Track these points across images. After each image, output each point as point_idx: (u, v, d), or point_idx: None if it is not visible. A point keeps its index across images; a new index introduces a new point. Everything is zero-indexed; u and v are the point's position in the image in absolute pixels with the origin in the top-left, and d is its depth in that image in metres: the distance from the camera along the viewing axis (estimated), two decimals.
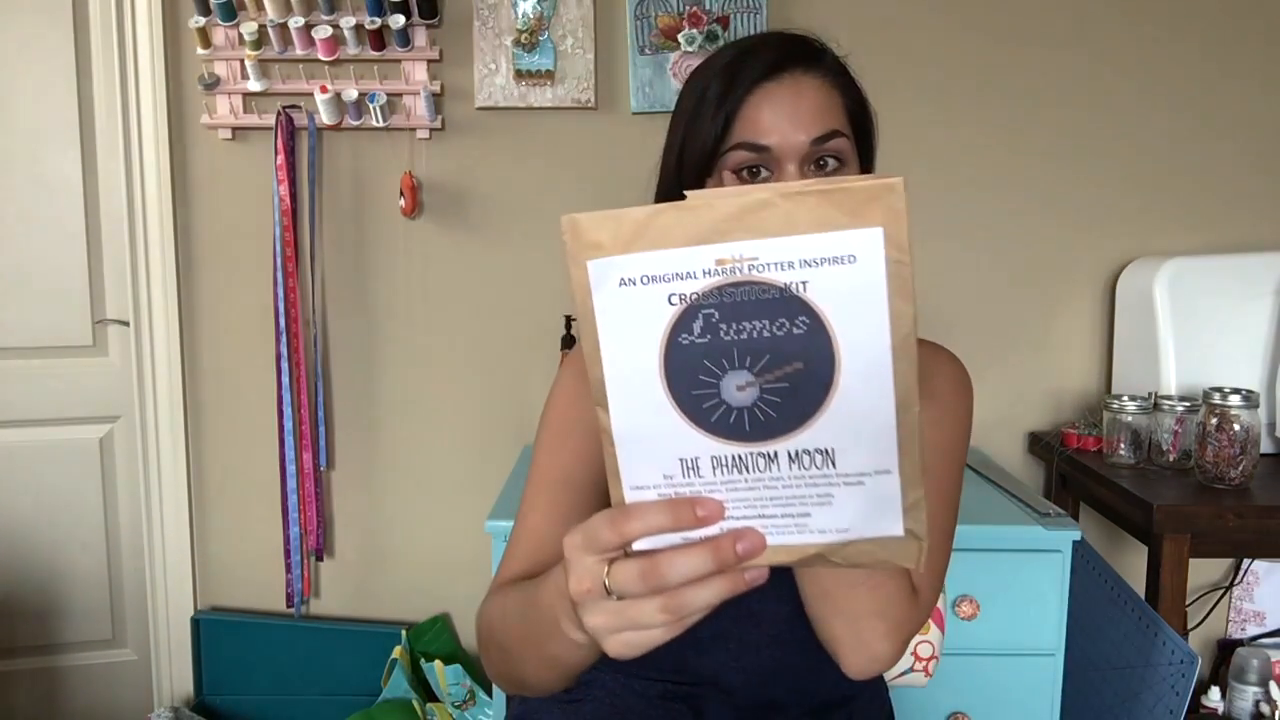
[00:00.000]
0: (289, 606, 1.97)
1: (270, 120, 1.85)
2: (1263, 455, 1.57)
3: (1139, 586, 1.51)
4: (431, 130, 1.89)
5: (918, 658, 1.22)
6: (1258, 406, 1.48)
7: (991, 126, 1.91)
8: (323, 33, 1.79)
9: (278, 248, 1.87)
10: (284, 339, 1.88)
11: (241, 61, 1.84)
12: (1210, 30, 1.89)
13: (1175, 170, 1.92)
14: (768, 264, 0.43)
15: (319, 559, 2.00)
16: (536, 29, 1.84)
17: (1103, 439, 1.69)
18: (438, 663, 1.85)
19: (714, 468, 0.47)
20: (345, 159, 1.92)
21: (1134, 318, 1.80)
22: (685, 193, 0.42)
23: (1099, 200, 1.93)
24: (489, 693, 1.85)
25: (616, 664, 0.85)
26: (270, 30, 1.81)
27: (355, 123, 1.86)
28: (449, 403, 1.98)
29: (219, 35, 1.84)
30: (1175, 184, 1.92)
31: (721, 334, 0.44)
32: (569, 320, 1.90)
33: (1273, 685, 1.71)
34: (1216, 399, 1.47)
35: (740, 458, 0.47)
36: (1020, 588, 1.44)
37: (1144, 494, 1.45)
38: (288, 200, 1.86)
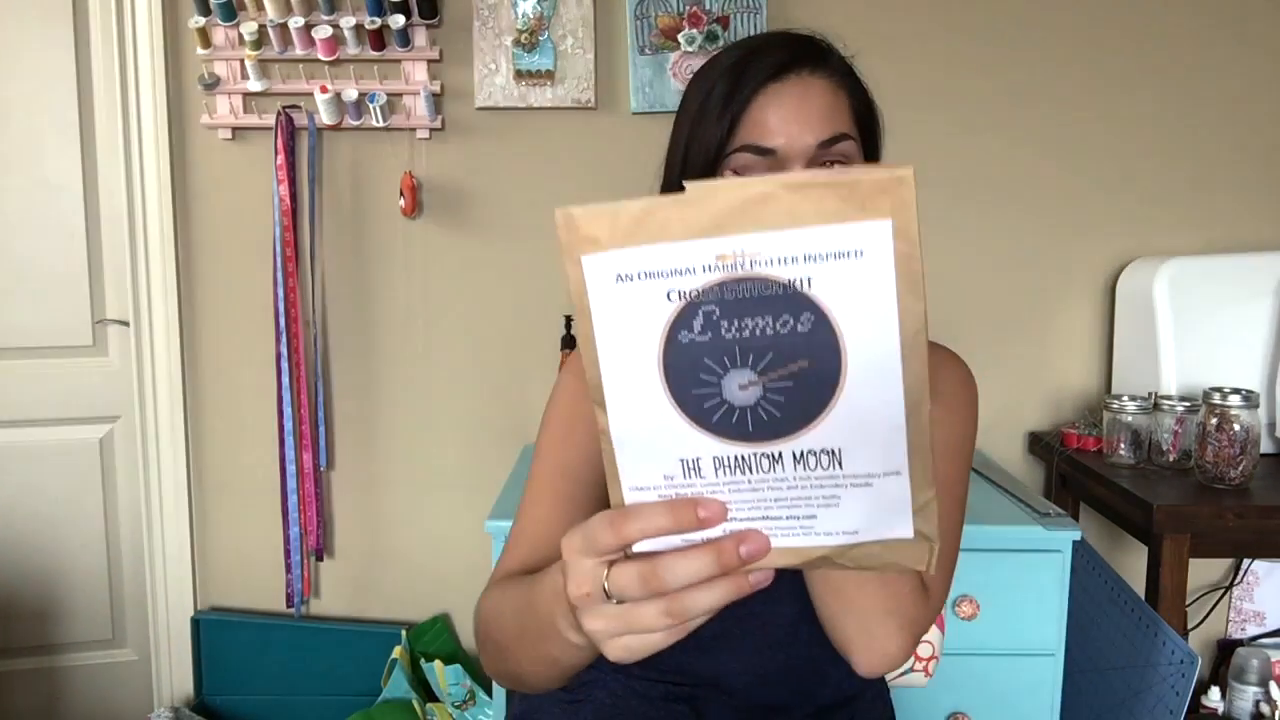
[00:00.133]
0: (289, 606, 1.97)
1: (270, 120, 1.85)
2: (1263, 455, 1.57)
3: (1139, 586, 1.51)
4: (431, 130, 1.89)
5: (918, 658, 1.22)
6: (1258, 406, 1.48)
7: (991, 126, 1.91)
8: (323, 33, 1.79)
9: (278, 248, 1.87)
10: (284, 339, 1.88)
11: (241, 61, 1.84)
12: (1211, 30, 1.89)
13: (1175, 170, 1.92)
14: (771, 259, 0.41)
15: (319, 559, 2.00)
16: (536, 29, 1.84)
17: (1103, 439, 1.69)
18: (438, 663, 1.85)
19: (716, 468, 0.45)
20: (345, 159, 1.92)
21: (1134, 318, 1.80)
22: (685, 184, 0.41)
23: (1099, 200, 1.93)
24: (489, 693, 1.85)
25: (618, 665, 0.85)
26: (270, 30, 1.81)
27: (355, 123, 1.86)
28: (449, 403, 1.98)
29: (219, 35, 1.84)
30: (1175, 184, 1.92)
31: (723, 332, 0.42)
32: (569, 320, 1.90)
33: (1273, 685, 1.71)
34: (1216, 399, 1.47)
35: (743, 458, 0.45)
36: (1020, 588, 1.44)
37: (1144, 494, 1.45)
38: (288, 200, 1.86)
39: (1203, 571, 1.95)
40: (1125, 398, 1.64)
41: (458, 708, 1.84)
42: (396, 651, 1.88)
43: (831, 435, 0.44)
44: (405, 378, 1.98)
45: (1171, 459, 1.59)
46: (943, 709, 1.47)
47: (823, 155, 0.76)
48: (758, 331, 0.42)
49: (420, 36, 1.85)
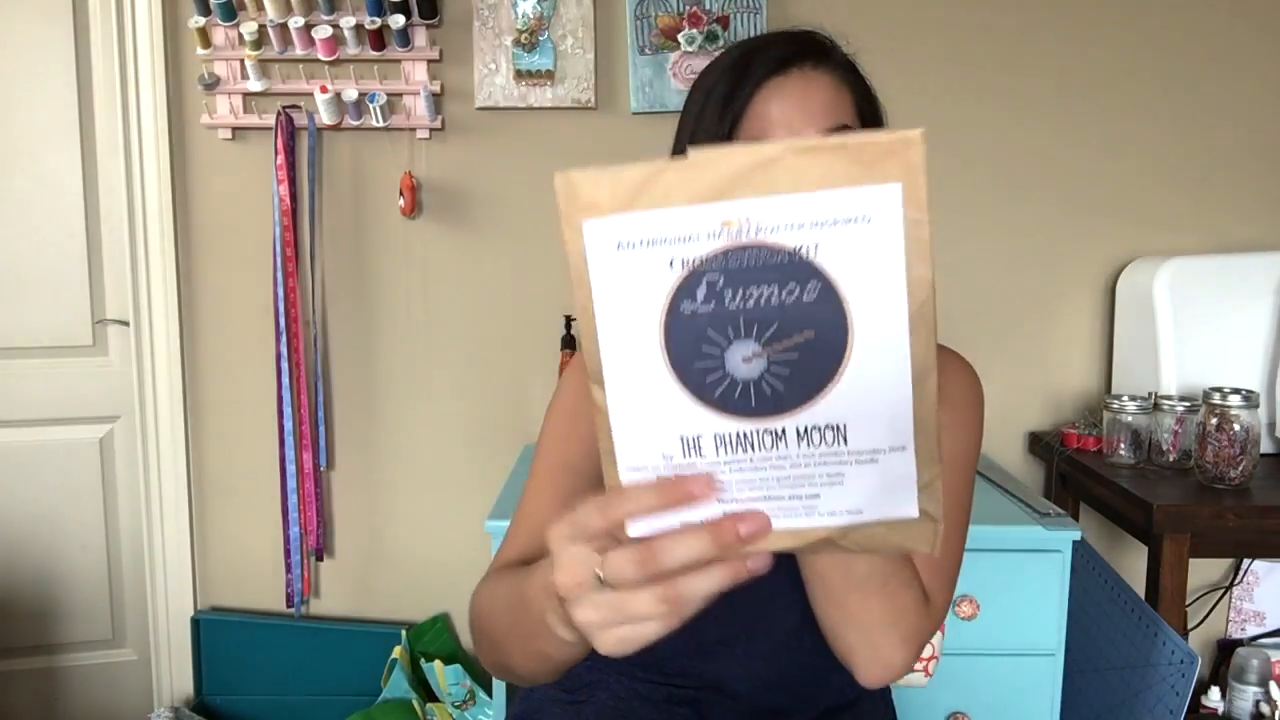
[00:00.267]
0: (289, 606, 1.97)
1: (270, 120, 1.85)
2: (1263, 455, 1.57)
3: (1139, 586, 1.51)
4: (431, 130, 1.89)
5: (918, 658, 1.22)
6: (1258, 406, 1.48)
7: (991, 127, 1.91)
8: (323, 33, 1.79)
9: (278, 248, 1.87)
10: (284, 339, 1.88)
11: (241, 61, 1.84)
12: (1211, 30, 1.89)
13: (1175, 170, 1.92)
14: (777, 225, 0.39)
15: (319, 559, 2.00)
16: (536, 29, 1.85)
17: (1103, 439, 1.69)
18: (438, 663, 1.85)
19: (717, 446, 0.44)
20: (345, 159, 1.92)
21: (1134, 318, 1.80)
22: (689, 148, 0.40)
23: (1099, 200, 1.93)
24: (489, 693, 1.85)
25: (621, 666, 0.84)
26: (270, 30, 1.81)
27: (355, 123, 1.86)
28: (449, 403, 1.98)
29: (219, 35, 1.84)
30: (1175, 184, 1.92)
31: (726, 301, 0.41)
32: (569, 320, 1.90)
33: (1273, 685, 1.71)
34: (1216, 399, 1.47)
35: (745, 435, 0.43)
36: (1020, 588, 1.44)
37: (1144, 494, 1.45)
38: (288, 200, 1.86)
39: (1203, 571, 1.95)
40: (1125, 398, 1.64)
41: (458, 708, 1.84)
42: (396, 651, 1.88)
43: (837, 409, 0.43)
44: (405, 378, 1.98)
45: (1171, 459, 1.59)
46: (943, 709, 1.47)
47: None
48: (762, 301, 0.41)
49: (420, 36, 1.85)
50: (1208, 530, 1.42)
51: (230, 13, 1.79)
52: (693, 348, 0.42)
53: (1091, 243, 1.94)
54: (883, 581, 0.72)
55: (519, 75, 1.86)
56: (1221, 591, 1.95)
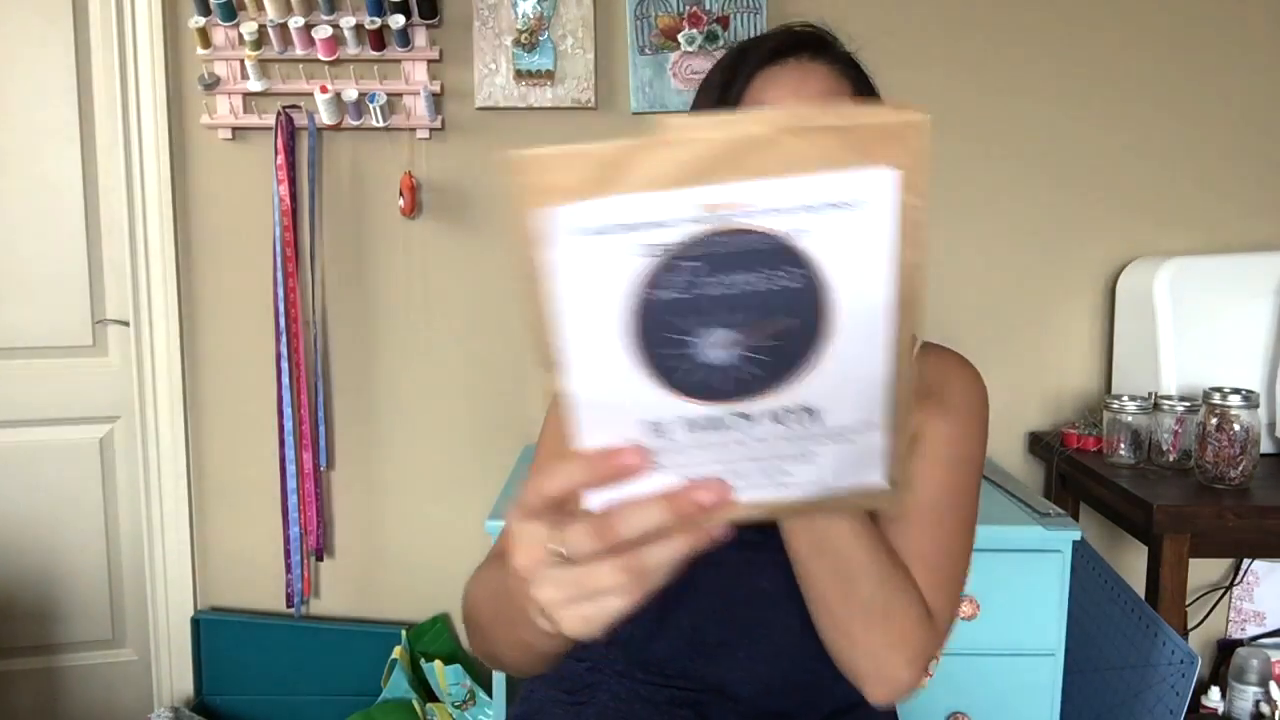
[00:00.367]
0: (289, 606, 1.97)
1: (270, 120, 1.85)
2: (1263, 455, 1.57)
3: (1139, 586, 1.51)
4: (431, 130, 1.89)
5: (925, 674, 1.22)
6: (1258, 406, 1.48)
7: (991, 126, 1.91)
8: (323, 33, 1.79)
9: (278, 248, 1.87)
10: (284, 339, 1.88)
11: (241, 61, 1.84)
12: (1211, 30, 1.89)
13: (1175, 170, 1.92)
14: (763, 210, 0.36)
15: (319, 559, 2.00)
16: (536, 29, 1.84)
17: (1103, 439, 1.69)
18: (438, 663, 1.85)
19: (685, 429, 0.42)
20: (345, 159, 1.92)
21: (1134, 318, 1.80)
22: (659, 119, 0.36)
23: (1099, 200, 1.93)
24: (489, 693, 1.85)
25: (622, 667, 0.84)
26: (270, 30, 1.81)
27: (355, 123, 1.86)
28: (449, 403, 1.98)
29: (219, 35, 1.84)
30: (1176, 184, 1.92)
31: (704, 289, 0.38)
32: None
33: (1273, 685, 1.71)
34: (1216, 399, 1.47)
35: (715, 418, 0.41)
36: (1020, 588, 1.44)
37: (1144, 494, 1.45)
38: (288, 200, 1.85)
39: (1203, 571, 1.95)
40: (1125, 398, 1.64)
41: (458, 708, 1.84)
42: (396, 651, 1.88)
43: (813, 393, 0.41)
44: (405, 378, 1.98)
45: (1171, 459, 1.59)
46: (943, 709, 1.47)
47: None
48: (742, 288, 0.38)
49: (420, 36, 1.85)
50: (1208, 530, 1.42)
51: (230, 13, 1.79)
52: (664, 335, 0.40)
53: (1091, 243, 1.94)
54: (885, 606, 0.72)
55: (519, 75, 1.86)
56: (1221, 591, 1.95)
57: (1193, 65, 1.90)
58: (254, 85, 1.84)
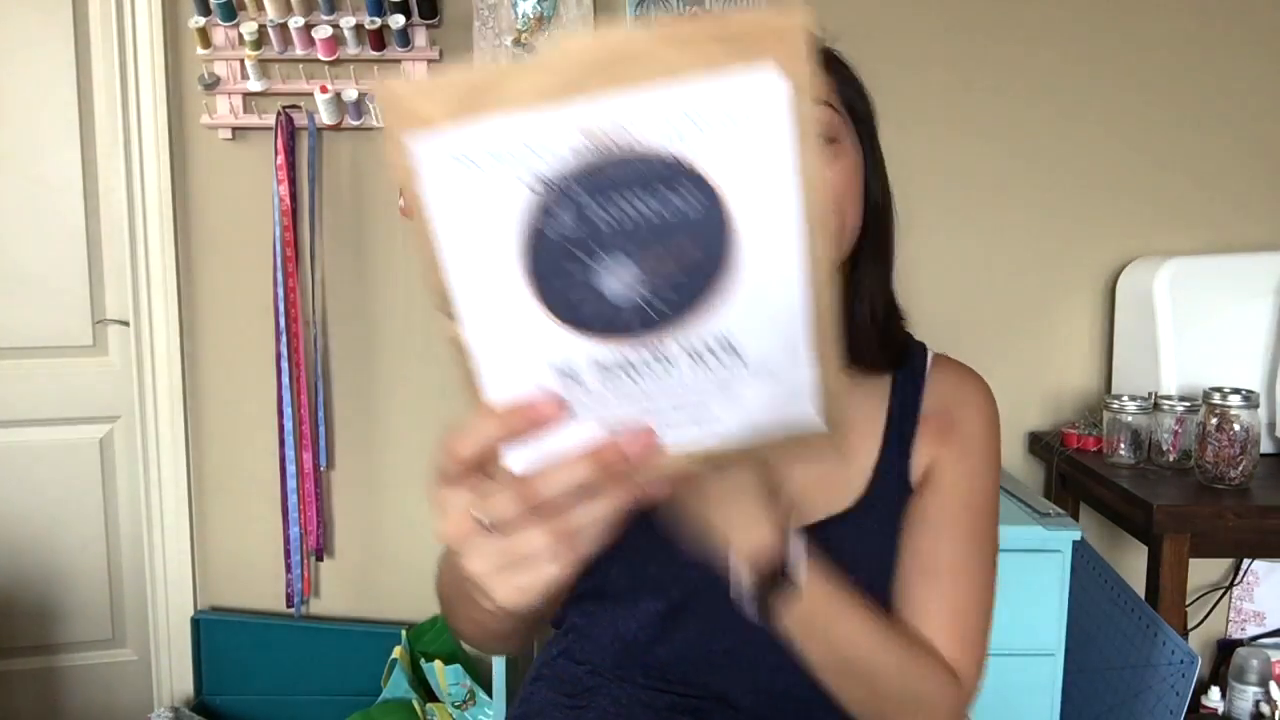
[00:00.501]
0: (289, 606, 1.97)
1: (270, 120, 1.84)
2: (1263, 455, 1.57)
3: (1139, 586, 1.50)
4: None
5: None
6: (1258, 406, 1.48)
7: (991, 126, 1.91)
8: (323, 33, 1.79)
9: (278, 248, 1.87)
10: (284, 339, 1.88)
11: (241, 61, 1.84)
12: (1210, 29, 1.89)
13: (1175, 170, 1.92)
14: (645, 127, 0.34)
15: (319, 559, 2.00)
16: (536, 29, 1.84)
17: (1103, 439, 1.69)
18: (438, 663, 1.85)
19: (596, 371, 0.40)
20: (345, 159, 1.92)
21: (1134, 318, 1.79)
22: (522, 36, 0.36)
23: (1099, 200, 1.93)
24: (489, 693, 1.85)
25: (622, 672, 0.83)
26: (270, 30, 1.81)
27: (355, 123, 1.86)
28: (449, 402, 1.98)
29: (219, 35, 1.84)
30: (1175, 184, 1.92)
31: (595, 220, 0.36)
32: None
33: (1273, 685, 1.71)
34: (1216, 399, 1.47)
35: (628, 358, 0.39)
36: (1020, 588, 1.44)
37: (1144, 494, 1.45)
38: (288, 200, 1.85)
39: (1203, 571, 1.95)
40: (1125, 398, 1.64)
41: (458, 708, 1.83)
42: (396, 651, 1.88)
43: (725, 323, 0.38)
44: (405, 377, 1.98)
45: (1171, 459, 1.59)
46: None
47: None
48: (635, 215, 0.36)
49: (420, 36, 1.85)
50: (1208, 530, 1.42)
51: (230, 13, 1.79)
52: (559, 271, 0.37)
53: (1091, 243, 1.94)
54: (913, 694, 0.72)
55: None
56: (1221, 591, 1.95)
57: (1193, 65, 1.90)
58: (254, 85, 1.84)
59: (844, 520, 0.82)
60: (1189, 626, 1.86)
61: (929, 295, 1.88)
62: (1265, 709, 1.70)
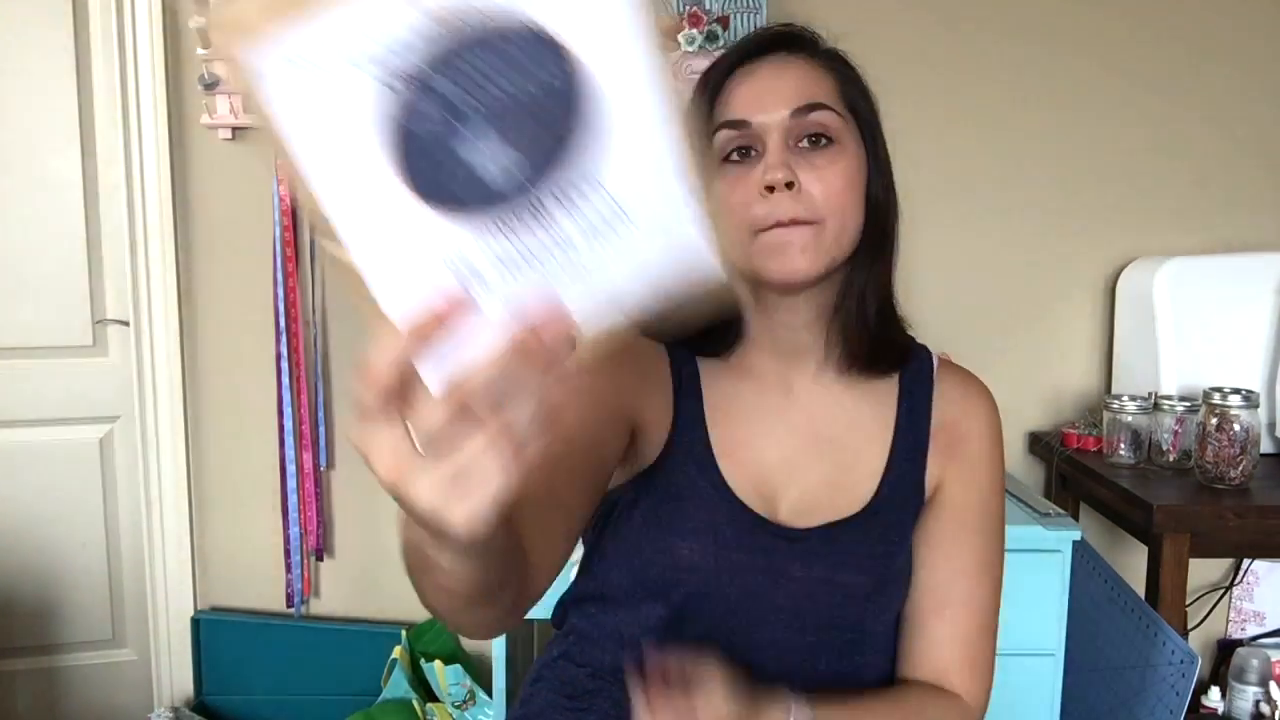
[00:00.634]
0: (289, 606, 1.97)
1: None
2: (1263, 455, 1.56)
3: (1139, 586, 1.50)
4: None
5: None
6: (1258, 406, 1.48)
7: (991, 126, 1.91)
8: None
9: (278, 248, 1.87)
10: (284, 339, 1.88)
11: None
12: (1210, 29, 1.89)
13: (1175, 170, 1.92)
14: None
15: (319, 559, 2.00)
16: None
17: (1103, 439, 1.69)
18: (438, 663, 1.85)
19: (491, 261, 0.39)
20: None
21: (1134, 318, 1.79)
22: None
23: (1099, 200, 1.93)
24: (489, 693, 1.85)
25: (624, 675, 0.83)
26: None
27: None
28: None
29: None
30: (1175, 184, 1.92)
31: (456, 103, 0.35)
32: None
33: (1273, 685, 1.71)
34: (1216, 399, 1.47)
35: (512, 229, 0.39)
36: (1020, 588, 1.43)
37: (1144, 494, 1.45)
38: (288, 200, 1.85)
39: (1203, 571, 1.95)
40: (1125, 398, 1.64)
41: (458, 708, 1.83)
42: (396, 651, 1.88)
43: (596, 171, 0.38)
44: None
45: (1171, 459, 1.59)
46: None
47: (800, 125, 0.76)
48: (500, 92, 0.36)
49: None
50: (1208, 530, 1.42)
51: None
52: (428, 160, 0.37)
53: (1091, 243, 1.94)
54: None
55: None
56: (1221, 591, 1.95)
57: (1193, 65, 1.90)
58: None
59: (851, 524, 0.82)
60: (1189, 626, 1.86)
61: (930, 295, 1.88)
62: (1265, 709, 1.70)
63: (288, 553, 1.94)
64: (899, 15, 1.88)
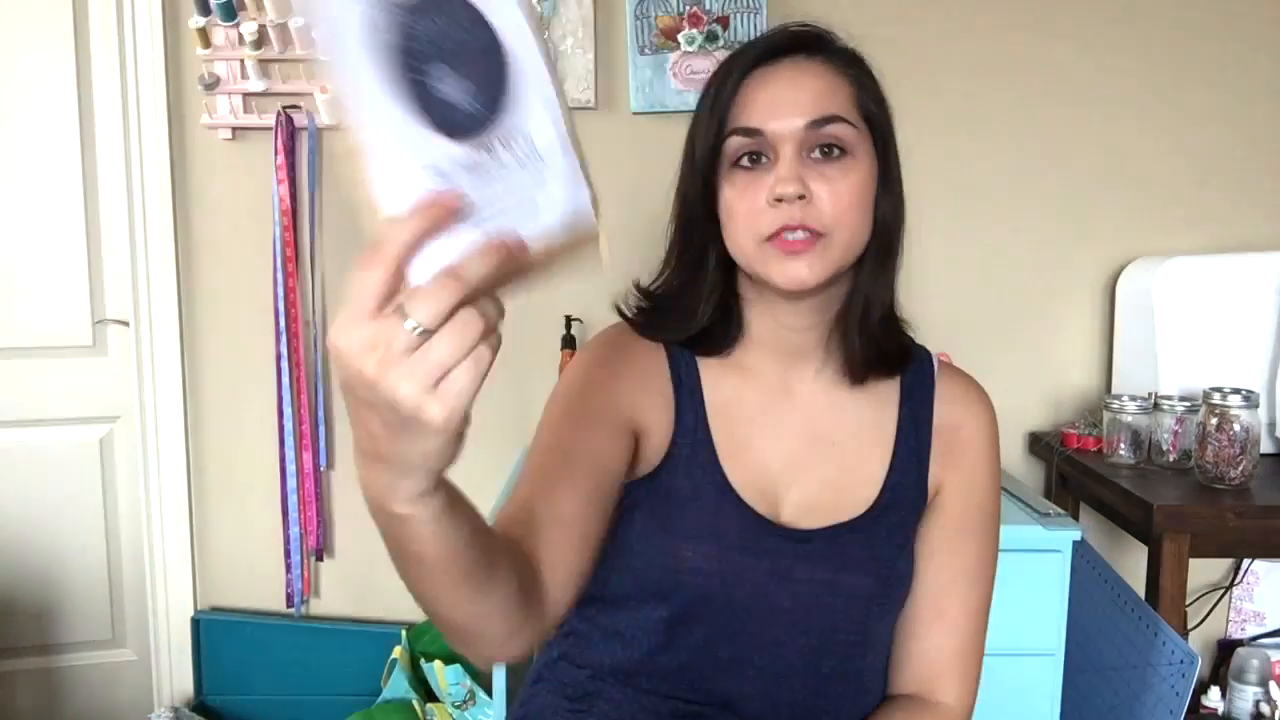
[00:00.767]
0: (289, 606, 1.97)
1: (270, 120, 1.84)
2: (1263, 455, 1.56)
3: (1139, 586, 1.50)
4: None
5: None
6: (1258, 406, 1.48)
7: (991, 126, 1.91)
8: None
9: (278, 248, 1.87)
10: (284, 339, 1.88)
11: (241, 61, 1.84)
12: (1210, 30, 1.89)
13: (1175, 170, 1.92)
14: None
15: (319, 559, 2.00)
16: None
17: (1103, 439, 1.69)
18: (438, 663, 1.84)
19: (461, 171, 0.47)
20: (345, 159, 1.91)
21: (1134, 318, 1.80)
22: None
23: (1099, 200, 1.93)
24: (489, 693, 1.85)
25: (625, 677, 0.83)
26: (270, 30, 1.81)
27: None
28: None
29: (219, 35, 1.84)
30: (1175, 184, 1.92)
31: (431, 46, 0.46)
32: (569, 320, 1.90)
33: (1273, 685, 1.71)
34: (1216, 399, 1.47)
35: (476, 157, 0.47)
36: (1020, 588, 1.44)
37: (1144, 494, 1.45)
38: (288, 200, 1.85)
39: (1203, 571, 1.95)
40: (1125, 398, 1.64)
41: (458, 708, 1.83)
42: (396, 651, 1.88)
43: (516, 117, 0.48)
44: None
45: (1171, 459, 1.59)
46: None
47: (815, 137, 0.75)
48: (447, 35, 0.47)
49: None
50: (1208, 530, 1.42)
51: (230, 13, 1.79)
52: (406, 78, 0.46)
53: (1091, 243, 1.94)
54: None
55: None
56: (1221, 591, 1.95)
57: (1193, 65, 1.90)
58: (254, 85, 1.84)
59: (854, 527, 0.82)
60: (1189, 626, 1.86)
61: (930, 295, 1.88)
62: (1265, 709, 1.70)
63: (288, 553, 1.94)
64: (899, 15, 1.88)
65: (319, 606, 2.03)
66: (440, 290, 0.42)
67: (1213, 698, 1.72)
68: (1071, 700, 1.53)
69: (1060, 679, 1.45)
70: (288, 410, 1.90)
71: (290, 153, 1.85)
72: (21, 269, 1.97)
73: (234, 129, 1.89)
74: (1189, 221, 1.93)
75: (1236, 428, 1.45)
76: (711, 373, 0.85)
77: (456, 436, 0.46)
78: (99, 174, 1.98)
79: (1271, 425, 1.66)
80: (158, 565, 1.99)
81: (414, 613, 2.02)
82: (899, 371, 0.87)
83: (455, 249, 0.45)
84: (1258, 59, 1.90)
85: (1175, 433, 1.58)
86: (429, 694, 1.87)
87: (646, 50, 1.86)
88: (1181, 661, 1.33)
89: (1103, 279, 1.94)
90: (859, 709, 0.84)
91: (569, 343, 1.88)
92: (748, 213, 0.76)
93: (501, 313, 0.46)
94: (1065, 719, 1.48)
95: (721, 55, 1.85)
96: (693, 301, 0.82)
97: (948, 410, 0.87)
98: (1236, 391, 1.47)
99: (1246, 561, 1.94)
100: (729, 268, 0.82)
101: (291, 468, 1.92)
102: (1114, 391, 1.87)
